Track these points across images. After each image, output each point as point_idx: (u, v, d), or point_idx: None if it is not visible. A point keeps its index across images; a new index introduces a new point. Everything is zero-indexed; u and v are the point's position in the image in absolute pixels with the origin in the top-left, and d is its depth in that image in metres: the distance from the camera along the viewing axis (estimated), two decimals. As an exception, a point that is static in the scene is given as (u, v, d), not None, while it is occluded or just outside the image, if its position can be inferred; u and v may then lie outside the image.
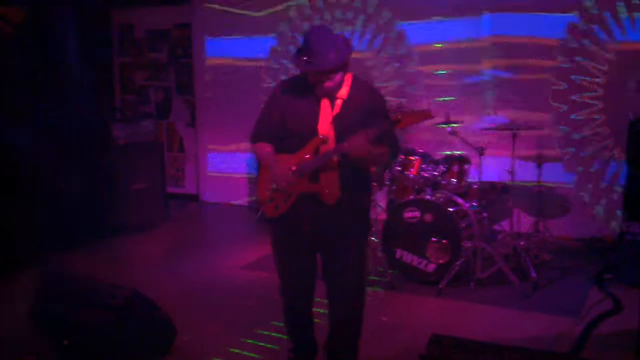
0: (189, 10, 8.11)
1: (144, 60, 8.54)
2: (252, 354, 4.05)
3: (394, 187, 5.73)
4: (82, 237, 6.15)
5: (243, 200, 7.99)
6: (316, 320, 3.64)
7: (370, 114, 3.15)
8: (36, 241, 5.72)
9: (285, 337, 3.74)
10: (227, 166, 8.14)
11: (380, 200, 6.01)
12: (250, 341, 4.22)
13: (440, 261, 5.12)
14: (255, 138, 3.39)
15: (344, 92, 3.21)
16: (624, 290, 4.85)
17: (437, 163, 5.54)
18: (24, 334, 3.63)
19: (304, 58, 3.08)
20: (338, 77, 3.14)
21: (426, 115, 3.10)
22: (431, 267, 5.15)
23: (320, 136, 3.17)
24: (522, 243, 5.51)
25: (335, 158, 3.15)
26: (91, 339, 3.34)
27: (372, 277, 5.27)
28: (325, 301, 3.48)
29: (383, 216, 5.72)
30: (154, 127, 7.28)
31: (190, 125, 8.41)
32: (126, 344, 3.39)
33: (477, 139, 5.47)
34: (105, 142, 6.59)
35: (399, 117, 3.04)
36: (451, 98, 6.68)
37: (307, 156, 3.19)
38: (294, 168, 3.19)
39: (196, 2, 8.02)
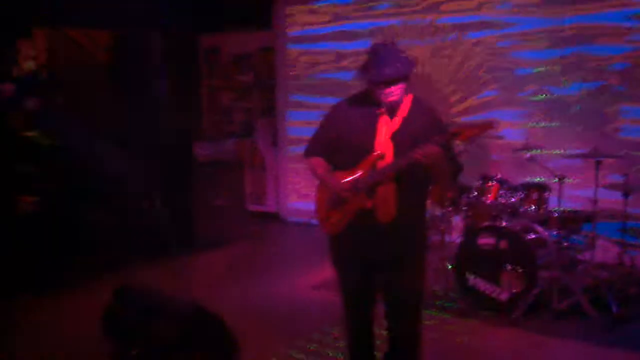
0: (272, 35, 8.34)
1: (230, 82, 8.84)
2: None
3: (470, 213, 5.64)
4: (164, 251, 6.38)
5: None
6: (378, 341, 3.63)
7: (430, 132, 3.14)
8: (118, 254, 6.02)
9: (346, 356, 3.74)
10: (306, 184, 8.24)
11: (456, 225, 5.93)
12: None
13: (515, 290, 4.98)
14: (310, 153, 3.44)
15: (404, 110, 3.23)
16: None
17: (515, 189, 5.41)
18: (94, 343, 3.82)
19: (372, 70, 3.13)
20: (401, 90, 3.16)
21: (488, 126, 3.08)
22: (504, 296, 5.02)
23: (378, 152, 3.19)
24: (604, 275, 5.27)
25: (392, 173, 3.14)
26: (159, 350, 3.45)
27: (442, 303, 5.20)
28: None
29: (457, 241, 5.63)
30: (236, 146, 7.50)
31: (273, 145, 8.60)
32: (191, 357, 3.48)
33: (558, 166, 5.31)
34: (189, 159, 6.83)
35: (459, 129, 3.04)
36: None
37: (364, 172, 3.21)
38: (351, 182, 3.20)
39: (278, 27, 8.24)
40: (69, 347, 4.41)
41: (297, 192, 8.40)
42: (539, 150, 5.36)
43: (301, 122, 8.22)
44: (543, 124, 6.50)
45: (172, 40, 6.99)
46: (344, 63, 7.83)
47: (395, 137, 3.20)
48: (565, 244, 5.31)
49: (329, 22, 7.90)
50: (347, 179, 3.23)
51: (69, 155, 6.04)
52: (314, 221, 8.06)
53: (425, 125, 3.19)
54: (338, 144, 3.31)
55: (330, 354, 4.35)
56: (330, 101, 7.54)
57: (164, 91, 6.67)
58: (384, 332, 3.51)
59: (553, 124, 6.46)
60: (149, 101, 6.62)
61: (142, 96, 6.55)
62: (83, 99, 6.60)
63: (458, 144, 5.94)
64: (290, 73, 8.30)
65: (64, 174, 5.97)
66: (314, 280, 5.90)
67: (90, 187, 6.04)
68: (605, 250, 5.67)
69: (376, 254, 3.28)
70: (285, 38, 8.23)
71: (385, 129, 3.21)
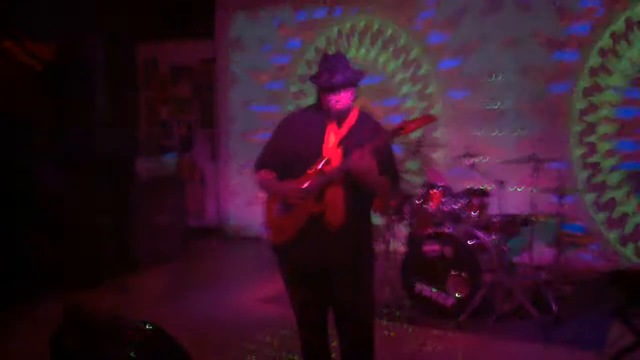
0: (212, 45, 8.27)
1: (168, 94, 8.71)
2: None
3: (414, 220, 5.74)
4: (103, 272, 6.22)
5: (264, 233, 8.00)
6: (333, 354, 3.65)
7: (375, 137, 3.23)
8: (58, 275, 5.82)
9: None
10: (247, 199, 8.20)
11: (400, 233, 6.02)
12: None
13: (460, 295, 5.10)
14: (259, 166, 3.48)
15: (351, 119, 3.32)
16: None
17: (457, 196, 5.55)
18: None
19: (324, 77, 3.23)
20: (349, 98, 3.26)
21: (429, 119, 3.21)
22: (450, 301, 5.13)
23: (325, 158, 3.26)
24: (542, 276, 5.47)
25: (339, 175, 3.20)
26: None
27: (390, 311, 5.27)
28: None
29: (402, 249, 5.72)
30: (176, 160, 7.40)
31: (212, 159, 8.52)
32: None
33: (497, 172, 5.48)
34: (129, 176, 6.69)
35: (402, 124, 3.13)
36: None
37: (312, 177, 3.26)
38: (300, 187, 3.25)
39: (220, 37, 8.18)
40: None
41: (238, 206, 8.34)
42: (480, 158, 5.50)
43: (242, 134, 8.19)
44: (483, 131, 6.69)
45: (110, 50, 6.83)
46: (284, 73, 7.86)
47: (343, 143, 3.28)
48: (505, 247, 5.47)
49: (272, 31, 7.91)
50: (296, 185, 3.27)
51: (5, 175, 5.82)
52: (257, 234, 8.05)
53: (372, 133, 3.26)
54: (288, 155, 3.35)
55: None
56: (272, 110, 7.73)
57: (102, 104, 6.51)
58: (335, 344, 3.53)
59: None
60: (87, 115, 6.45)
61: (80, 110, 6.38)
62: (18, 112, 6.38)
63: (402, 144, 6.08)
64: (232, 84, 8.25)
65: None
66: (261, 294, 5.88)
67: (25, 207, 5.83)
68: (541, 252, 5.87)
69: (326, 260, 3.30)
70: (227, 47, 8.16)
71: (333, 136, 3.30)
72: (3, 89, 6.31)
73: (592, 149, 6.31)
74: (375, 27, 7.24)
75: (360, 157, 3.09)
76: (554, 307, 5.06)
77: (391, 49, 7.19)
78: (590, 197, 6.34)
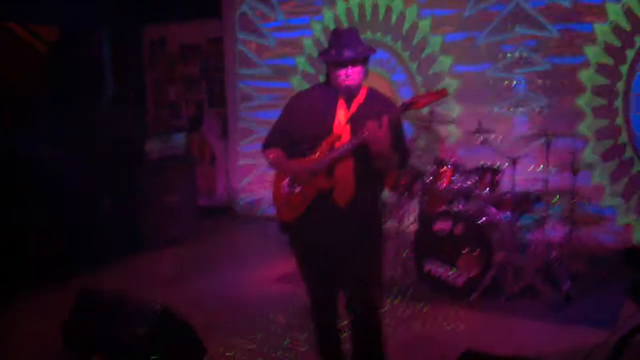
0: (221, 25, 8.20)
1: (177, 74, 8.66)
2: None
3: (425, 198, 5.69)
4: (114, 252, 6.24)
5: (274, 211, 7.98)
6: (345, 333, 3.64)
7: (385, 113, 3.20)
8: (69, 257, 5.84)
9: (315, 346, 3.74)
10: (257, 178, 8.17)
11: (411, 211, 5.98)
12: (279, 353, 4.24)
13: (471, 273, 5.06)
14: (268, 145, 3.47)
15: (360, 97, 3.31)
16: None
17: (469, 173, 5.49)
18: (56, 350, 3.71)
19: (333, 51, 3.20)
20: (359, 74, 3.24)
21: (441, 93, 3.17)
22: (461, 280, 5.09)
23: (335, 134, 3.25)
24: (554, 254, 5.42)
25: (349, 151, 3.19)
26: (122, 354, 3.38)
27: (400, 289, 5.25)
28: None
29: (414, 227, 5.69)
30: (186, 140, 7.37)
31: (222, 138, 8.49)
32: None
33: (510, 149, 5.41)
34: (138, 157, 6.67)
35: (413, 99, 3.11)
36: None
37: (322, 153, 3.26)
38: (310, 163, 3.25)
39: (227, 15, 8.10)
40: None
41: (249, 185, 8.32)
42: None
43: (251, 112, 8.14)
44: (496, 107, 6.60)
45: (116, 31, 6.78)
46: (291, 49, 7.77)
47: (352, 120, 3.26)
48: (517, 224, 5.42)
49: (278, 7, 7.81)
50: (306, 162, 3.26)
51: (9, 156, 5.81)
52: (267, 213, 8.05)
53: (381, 110, 3.23)
54: (297, 133, 3.35)
55: (287, 344, 4.34)
56: (281, 86, 7.68)
57: (110, 85, 6.48)
58: (344, 322, 3.53)
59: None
60: (94, 96, 6.43)
61: (87, 92, 6.35)
62: (24, 94, 6.37)
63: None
64: (240, 63, 8.17)
65: (4, 176, 5.74)
66: (271, 273, 5.88)
67: (34, 190, 5.83)
68: (554, 229, 5.81)
69: (336, 236, 3.29)
70: (235, 27, 8.09)
71: (343, 113, 3.28)
72: (7, 69, 6.30)
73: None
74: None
75: (375, 128, 3.07)
76: (565, 285, 5.01)
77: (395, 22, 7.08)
78: (604, 173, 6.25)
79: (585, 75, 6.17)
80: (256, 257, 6.54)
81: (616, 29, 6.00)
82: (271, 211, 7.76)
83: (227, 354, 4.24)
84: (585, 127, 6.23)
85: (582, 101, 6.23)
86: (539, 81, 6.41)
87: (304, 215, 3.32)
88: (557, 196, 5.89)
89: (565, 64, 6.27)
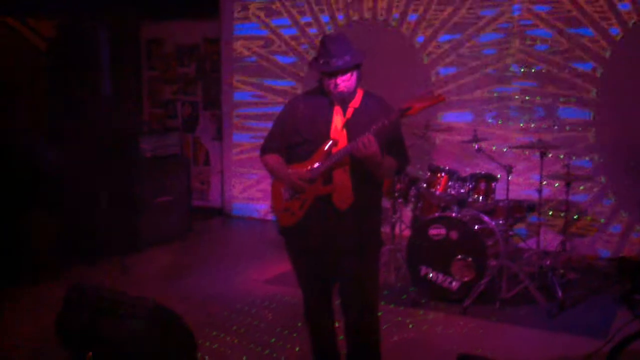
0: (218, 25, 8.18)
1: (172, 74, 8.64)
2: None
3: (420, 204, 5.70)
4: (107, 250, 6.20)
5: (268, 214, 7.98)
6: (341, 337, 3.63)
7: (382, 117, 3.18)
8: (62, 253, 5.81)
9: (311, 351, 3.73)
10: (252, 180, 8.16)
11: (405, 216, 5.99)
12: (267, 352, 4.24)
13: (465, 279, 5.07)
14: (265, 150, 3.45)
15: (356, 101, 3.30)
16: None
17: (464, 180, 5.51)
18: (49, 346, 3.68)
19: (321, 61, 3.17)
20: (352, 81, 3.22)
21: (437, 99, 3.14)
22: (455, 285, 5.10)
23: (331, 140, 3.23)
24: (548, 262, 5.44)
25: (347, 157, 3.18)
26: (115, 350, 3.35)
27: (394, 294, 5.25)
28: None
29: (408, 233, 5.69)
30: (180, 139, 7.35)
31: (217, 139, 8.46)
32: (150, 356, 3.39)
33: (505, 157, 5.43)
34: (133, 155, 6.64)
35: (409, 104, 3.07)
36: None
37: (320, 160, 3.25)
38: (308, 169, 3.24)
39: (225, 17, 8.09)
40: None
41: (242, 186, 8.30)
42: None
43: (247, 114, 8.13)
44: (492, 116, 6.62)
45: (114, 29, 6.76)
46: (288, 48, 7.77)
47: (348, 126, 3.25)
48: (510, 233, 5.43)
49: (275, 9, 7.81)
50: (304, 169, 3.25)
51: (6, 151, 5.78)
52: (261, 215, 8.04)
53: (377, 113, 3.23)
54: (294, 138, 3.33)
55: (288, 347, 4.33)
56: (277, 84, 7.67)
57: (106, 83, 6.45)
58: (341, 325, 3.52)
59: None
60: (90, 94, 6.38)
61: (84, 89, 6.31)
62: (21, 91, 6.34)
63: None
64: (236, 63, 8.16)
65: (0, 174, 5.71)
66: (264, 274, 5.87)
67: (30, 187, 5.79)
68: (547, 238, 5.83)
69: (334, 241, 3.28)
70: (232, 27, 8.08)
71: (339, 119, 3.28)
72: (5, 65, 6.26)
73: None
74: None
75: (363, 145, 3.06)
76: (559, 293, 5.03)
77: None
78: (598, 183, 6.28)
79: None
80: (247, 257, 6.53)
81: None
82: (264, 213, 7.90)
83: (216, 348, 4.25)
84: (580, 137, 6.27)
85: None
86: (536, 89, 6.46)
87: (303, 219, 3.31)
88: (551, 212, 5.93)
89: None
